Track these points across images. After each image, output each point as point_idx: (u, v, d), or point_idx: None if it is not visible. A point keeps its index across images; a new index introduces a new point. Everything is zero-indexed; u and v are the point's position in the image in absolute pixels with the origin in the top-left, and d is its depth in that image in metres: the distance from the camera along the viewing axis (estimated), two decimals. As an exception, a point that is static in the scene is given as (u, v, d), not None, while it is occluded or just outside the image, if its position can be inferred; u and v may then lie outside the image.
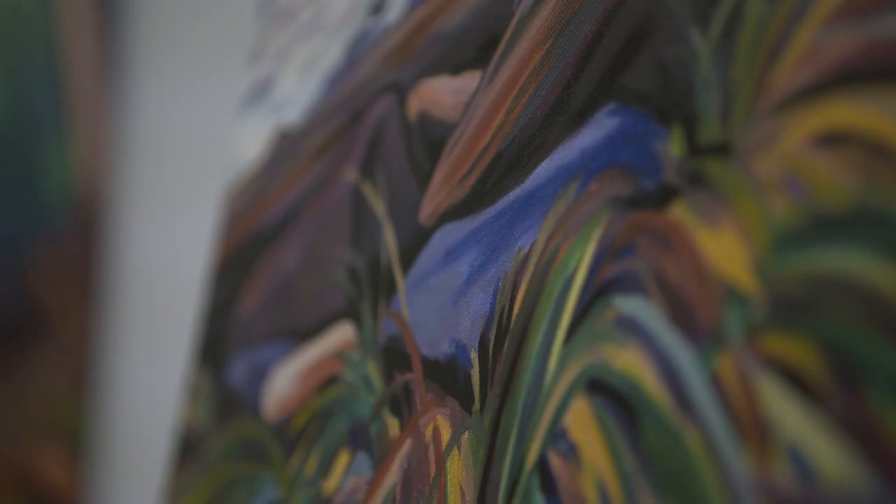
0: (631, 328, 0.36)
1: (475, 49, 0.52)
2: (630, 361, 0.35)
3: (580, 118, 0.41)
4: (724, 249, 0.32)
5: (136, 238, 1.31)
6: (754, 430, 0.30)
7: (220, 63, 1.23)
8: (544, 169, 0.43)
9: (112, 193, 1.32)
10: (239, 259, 0.73)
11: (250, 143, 0.81)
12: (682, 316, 0.33)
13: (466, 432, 0.44)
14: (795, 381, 0.29)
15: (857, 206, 0.29)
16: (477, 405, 0.44)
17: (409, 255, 0.53)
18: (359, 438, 0.54)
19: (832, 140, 0.30)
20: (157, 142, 1.31)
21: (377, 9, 0.69)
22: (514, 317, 0.43)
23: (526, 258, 0.43)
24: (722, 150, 0.34)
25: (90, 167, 1.31)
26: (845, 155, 0.29)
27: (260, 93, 0.86)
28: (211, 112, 1.22)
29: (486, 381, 0.44)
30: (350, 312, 0.57)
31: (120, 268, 1.31)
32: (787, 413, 0.29)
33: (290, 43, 0.87)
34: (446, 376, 0.47)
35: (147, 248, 1.29)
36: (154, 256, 1.27)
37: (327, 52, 0.77)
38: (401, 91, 0.59)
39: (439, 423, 0.47)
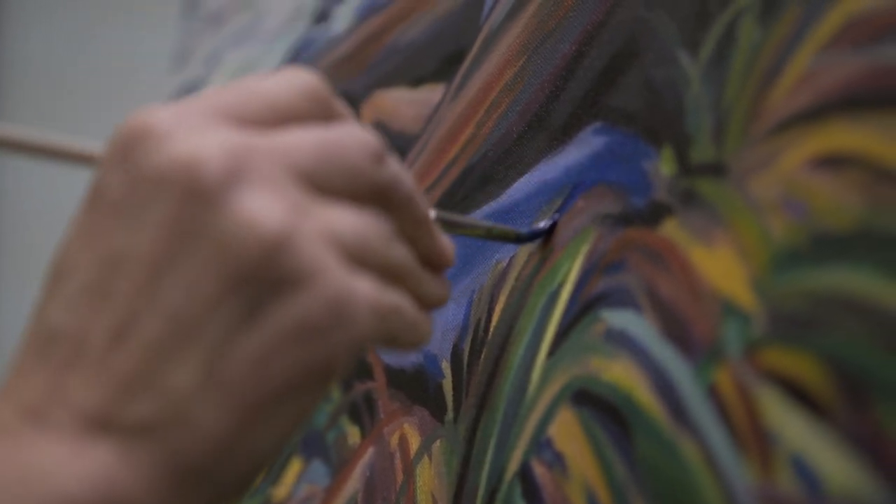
0: (621, 341, 0.37)
1: (437, 62, 0.52)
2: (621, 373, 0.36)
3: (563, 135, 0.42)
4: (720, 267, 0.34)
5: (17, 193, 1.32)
6: (755, 441, 0.31)
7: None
8: (524, 184, 0.44)
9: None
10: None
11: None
12: (677, 330, 0.35)
13: (438, 441, 0.45)
14: (798, 394, 0.30)
15: (859, 226, 0.30)
16: (450, 414, 0.45)
17: (368, 265, 0.53)
18: (313, 446, 0.54)
19: (832, 162, 0.31)
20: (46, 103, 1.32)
21: (321, 18, 0.69)
22: (491, 328, 0.43)
23: (505, 271, 0.43)
24: (715, 170, 0.35)
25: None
26: (846, 177, 0.30)
27: (187, 97, 0.85)
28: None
29: (460, 391, 0.44)
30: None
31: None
32: (789, 425, 0.30)
33: (220, 48, 0.86)
34: (414, 385, 0.48)
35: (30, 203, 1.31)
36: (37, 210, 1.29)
37: (264, 60, 0.77)
38: (353, 101, 0.60)
39: (406, 431, 0.47)
